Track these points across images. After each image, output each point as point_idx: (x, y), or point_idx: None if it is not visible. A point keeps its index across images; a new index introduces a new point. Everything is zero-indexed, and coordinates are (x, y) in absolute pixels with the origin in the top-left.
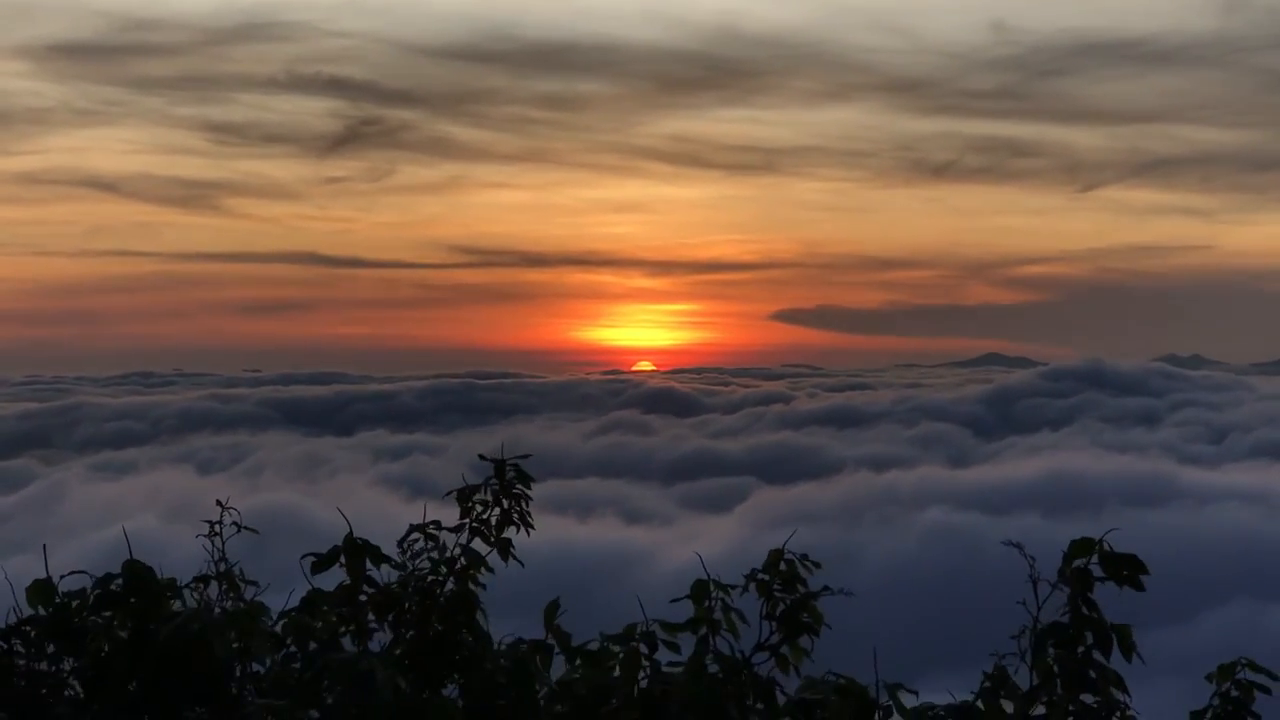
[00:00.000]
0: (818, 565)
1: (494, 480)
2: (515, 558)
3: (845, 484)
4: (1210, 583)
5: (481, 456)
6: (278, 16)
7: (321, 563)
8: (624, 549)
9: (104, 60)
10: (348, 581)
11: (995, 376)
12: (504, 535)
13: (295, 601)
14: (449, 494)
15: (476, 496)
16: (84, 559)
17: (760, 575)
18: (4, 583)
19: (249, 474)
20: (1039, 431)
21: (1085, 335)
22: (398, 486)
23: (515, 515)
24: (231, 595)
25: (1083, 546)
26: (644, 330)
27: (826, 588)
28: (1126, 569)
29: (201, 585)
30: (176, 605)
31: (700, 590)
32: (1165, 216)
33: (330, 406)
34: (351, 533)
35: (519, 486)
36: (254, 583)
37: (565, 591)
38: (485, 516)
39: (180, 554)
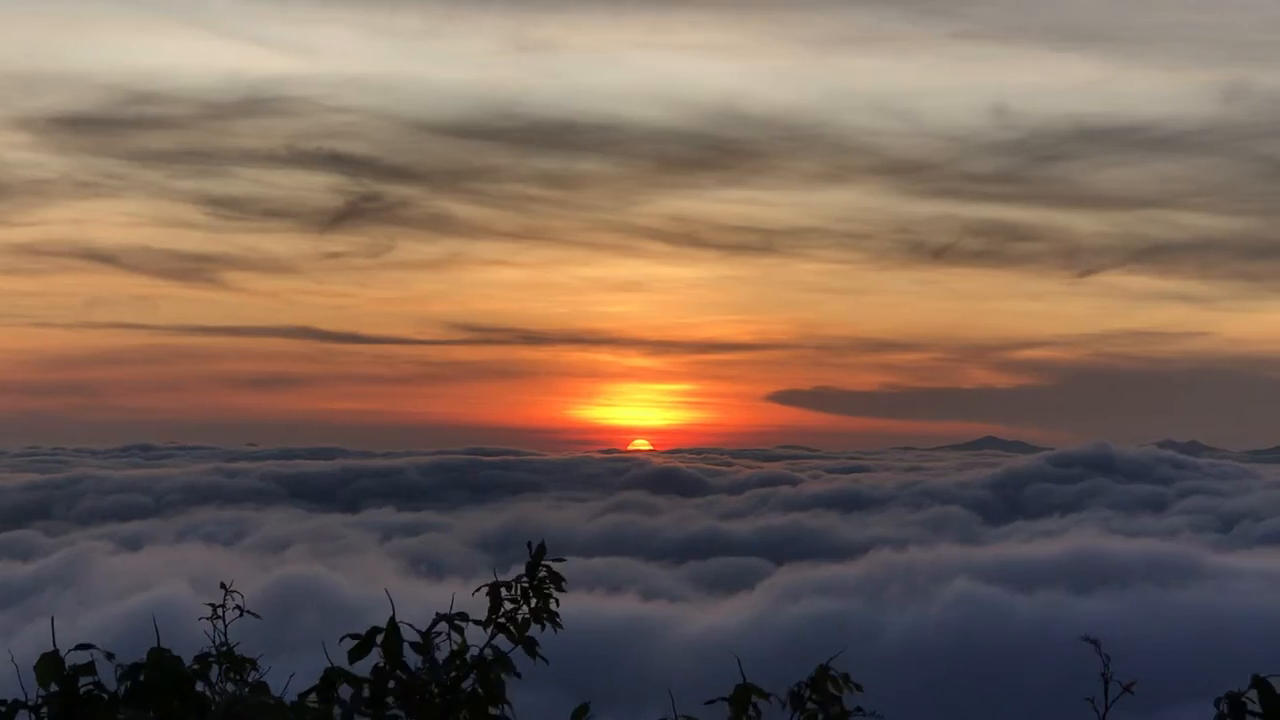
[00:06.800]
0: (859, 688)
1: (525, 578)
2: (542, 657)
3: (865, 562)
4: (1238, 661)
5: (529, 546)
6: (280, 92)
7: (359, 648)
8: (636, 625)
9: (105, 133)
10: (381, 664)
11: (994, 460)
12: (529, 634)
13: (304, 678)
14: (479, 590)
15: (506, 594)
16: (106, 629)
17: (802, 690)
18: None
19: (259, 548)
20: (1048, 516)
21: (1082, 420)
22: (413, 563)
23: (545, 615)
24: (233, 676)
25: (1257, 683)
26: (640, 409)
27: (859, 709)
28: None
29: (203, 666)
30: (200, 686)
31: (741, 698)
32: (1163, 302)
33: (335, 481)
34: (394, 617)
35: (550, 586)
36: (254, 664)
37: (582, 665)
38: (513, 614)
39: (201, 627)
